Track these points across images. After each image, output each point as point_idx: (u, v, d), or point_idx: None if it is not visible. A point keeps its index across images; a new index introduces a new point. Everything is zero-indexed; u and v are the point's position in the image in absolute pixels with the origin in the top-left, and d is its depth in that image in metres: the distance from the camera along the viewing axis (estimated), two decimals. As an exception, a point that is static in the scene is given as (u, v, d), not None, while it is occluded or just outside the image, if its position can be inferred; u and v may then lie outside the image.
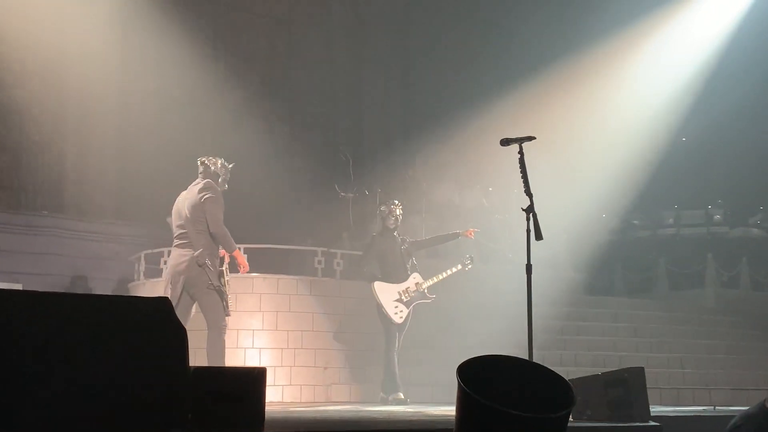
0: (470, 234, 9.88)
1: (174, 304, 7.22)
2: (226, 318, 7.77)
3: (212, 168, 7.92)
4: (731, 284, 15.75)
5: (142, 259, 11.09)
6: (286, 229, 12.19)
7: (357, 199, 12.02)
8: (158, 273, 10.98)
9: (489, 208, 14.03)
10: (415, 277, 9.44)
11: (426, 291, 9.46)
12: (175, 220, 7.91)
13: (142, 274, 11.10)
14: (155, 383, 3.67)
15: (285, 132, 14.05)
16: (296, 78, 14.52)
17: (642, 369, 6.48)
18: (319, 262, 10.95)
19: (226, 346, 9.32)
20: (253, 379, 4.15)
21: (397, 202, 9.70)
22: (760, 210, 17.86)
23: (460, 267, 9.66)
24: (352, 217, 11.79)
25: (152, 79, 13.46)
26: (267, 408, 4.36)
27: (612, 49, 15.44)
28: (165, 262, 10.82)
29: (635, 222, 18.14)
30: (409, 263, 9.49)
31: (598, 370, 7.99)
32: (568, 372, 9.71)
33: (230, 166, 8.10)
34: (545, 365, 3.53)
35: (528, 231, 6.68)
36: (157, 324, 3.76)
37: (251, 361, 9.78)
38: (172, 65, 13.37)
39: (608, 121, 15.68)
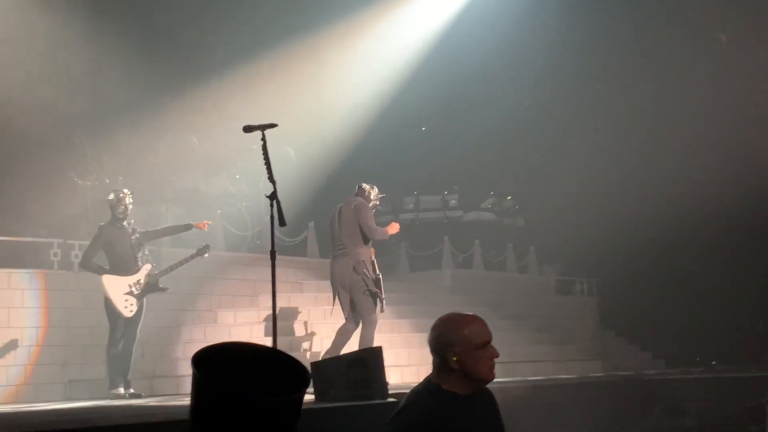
0: (203, 226, 9.81)
1: (337, 303, 9.31)
2: (379, 314, 9.14)
3: (366, 192, 9.36)
4: (465, 264, 16.75)
5: None
6: (18, 219, 11.43)
7: (96, 186, 11.50)
8: None
9: (236, 195, 13.96)
10: (146, 268, 9.21)
11: (159, 282, 9.26)
12: (332, 233, 9.36)
13: None
14: None
15: (15, 116, 13.13)
16: (30, 61, 13.61)
17: (380, 348, 6.74)
18: (56, 255, 10.43)
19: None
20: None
21: (126, 191, 9.38)
22: (491, 195, 19.12)
23: (194, 256, 9.57)
24: (90, 206, 11.26)
25: None
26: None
27: (344, 31, 15.82)
28: None
29: (379, 207, 18.75)
30: (140, 254, 9.24)
31: (344, 353, 8.25)
32: (314, 356, 9.95)
33: (382, 195, 9.72)
34: (288, 351, 3.60)
35: (272, 218, 6.74)
36: None
37: (-20, 361, 9.12)
38: None
39: (343, 107, 16.09)
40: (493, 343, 3.36)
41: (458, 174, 19.01)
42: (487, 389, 3.42)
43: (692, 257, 17.52)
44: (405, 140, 18.63)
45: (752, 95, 16.66)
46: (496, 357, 3.30)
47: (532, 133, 19.25)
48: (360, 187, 9.47)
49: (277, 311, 6.44)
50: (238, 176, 14.21)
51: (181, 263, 9.48)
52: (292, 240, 13.79)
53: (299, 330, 11.46)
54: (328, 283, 13.64)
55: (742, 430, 9.51)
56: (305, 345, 11.11)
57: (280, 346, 6.47)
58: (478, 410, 3.32)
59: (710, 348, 17.33)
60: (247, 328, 11.07)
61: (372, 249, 9.35)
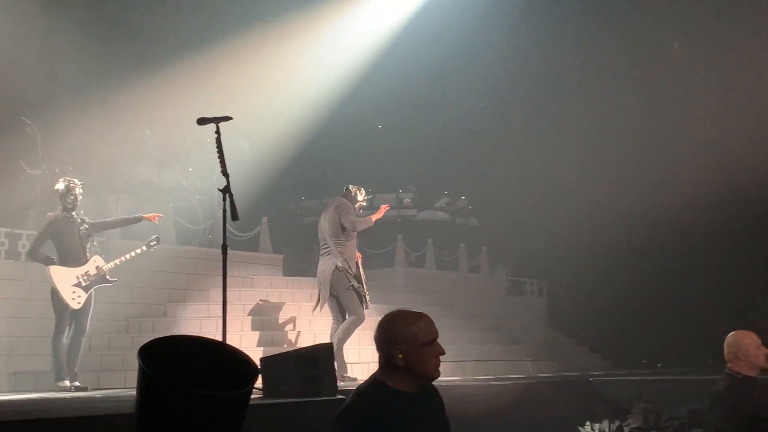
0: (154, 218, 9.71)
1: (324, 302, 9.54)
2: (365, 311, 9.51)
3: (352, 193, 9.64)
4: (417, 263, 16.79)
5: None
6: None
7: (46, 176, 11.30)
8: None
9: (189, 189, 13.83)
10: (95, 260, 9.08)
11: (107, 274, 9.13)
12: (319, 234, 9.68)
13: None
14: None
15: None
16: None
17: (331, 345, 6.74)
18: (2, 244, 10.25)
19: None
20: None
21: (77, 181, 9.24)
22: (445, 195, 19.20)
23: (144, 248, 9.49)
24: (39, 196, 11.06)
25: None
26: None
27: (302, 24, 15.70)
28: None
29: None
30: (89, 245, 9.11)
31: (293, 348, 8.22)
32: (264, 351, 9.89)
33: (369, 197, 10.13)
34: (235, 345, 3.57)
35: (224, 212, 6.69)
36: None
37: None
38: None
39: (299, 102, 16.00)
40: (445, 342, 3.37)
41: (413, 173, 19.06)
42: (432, 386, 3.43)
43: (641, 261, 17.78)
44: (360, 137, 18.62)
45: (705, 101, 16.96)
46: (442, 354, 3.31)
47: (488, 134, 19.36)
48: (347, 188, 9.81)
49: (227, 306, 6.40)
50: (191, 169, 14.07)
51: (130, 256, 9.37)
52: (244, 235, 13.70)
53: (253, 323, 11.37)
54: (281, 278, 13.77)
55: (685, 432, 9.68)
56: (253, 340, 11.03)
57: (228, 341, 6.42)
58: (423, 407, 3.33)
59: (657, 351, 17.62)
60: (197, 322, 10.97)
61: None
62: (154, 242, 9.53)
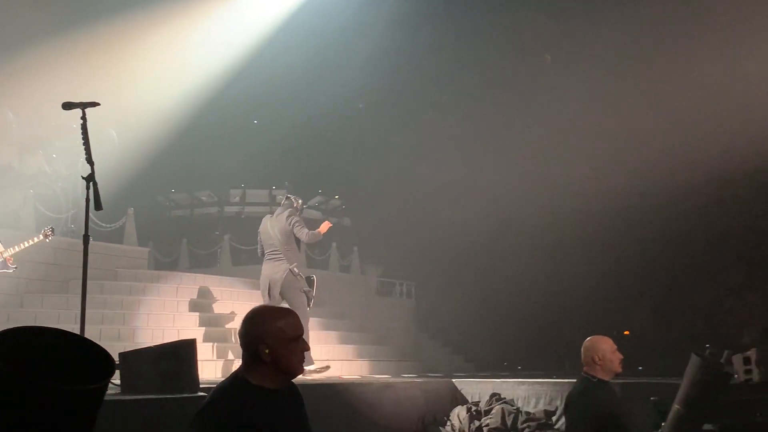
0: None
1: (267, 301, 10.08)
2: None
3: (294, 204, 10.44)
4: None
5: None
6: None
7: None
8: None
9: (51, 176, 13.28)
10: None
11: (5, 261, 8.81)
12: (265, 240, 10.40)
13: None
14: None
15: None
16: None
17: (194, 341, 6.59)
18: None
19: None
20: None
21: None
22: (318, 193, 19.19)
23: (41, 237, 9.46)
24: None
25: None
26: None
27: (178, 11, 15.34)
28: None
29: (203, 198, 18.43)
30: None
31: (156, 344, 8.00)
32: (125, 346, 9.60)
33: (304, 206, 11.10)
34: (95, 340, 3.43)
35: (88, 200, 6.44)
36: None
37: None
38: None
39: (172, 93, 15.67)
40: (313, 341, 3.35)
41: (288, 170, 18.96)
42: (293, 384, 3.40)
43: (505, 267, 18.27)
44: (234, 132, 18.38)
45: (575, 110, 17.58)
46: (307, 350, 3.29)
47: (363, 135, 19.46)
48: (287, 197, 10.66)
49: (87, 298, 6.17)
50: (54, 155, 13.50)
51: (28, 245, 9.14)
52: (109, 226, 13.28)
53: (110, 318, 11.03)
54: (145, 271, 13.42)
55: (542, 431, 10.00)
56: (115, 334, 10.71)
57: (88, 335, 6.19)
58: (285, 405, 3.29)
59: (517, 354, 18.16)
60: (55, 313, 10.56)
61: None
62: (50, 233, 9.44)
